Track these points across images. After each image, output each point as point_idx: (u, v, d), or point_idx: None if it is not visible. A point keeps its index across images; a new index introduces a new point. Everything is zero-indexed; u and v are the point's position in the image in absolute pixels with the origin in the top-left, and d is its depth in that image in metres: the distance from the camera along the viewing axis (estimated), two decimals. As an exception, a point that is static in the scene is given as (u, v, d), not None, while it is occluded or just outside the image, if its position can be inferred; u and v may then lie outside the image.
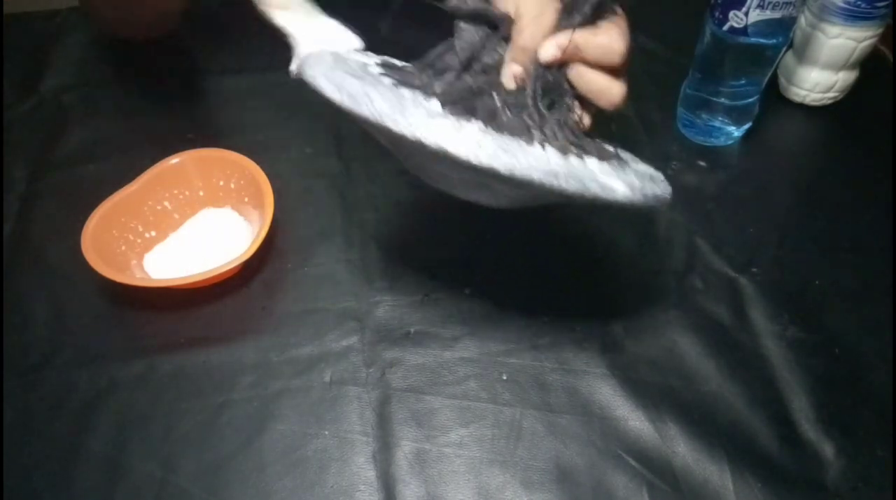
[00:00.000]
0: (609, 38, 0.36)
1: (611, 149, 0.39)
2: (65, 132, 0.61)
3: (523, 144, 0.33)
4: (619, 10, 0.38)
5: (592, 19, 0.37)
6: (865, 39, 0.57)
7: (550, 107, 0.37)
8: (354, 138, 0.60)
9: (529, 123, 0.36)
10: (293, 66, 0.38)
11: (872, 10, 0.55)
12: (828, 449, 0.43)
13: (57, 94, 0.65)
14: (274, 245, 0.53)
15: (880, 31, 0.57)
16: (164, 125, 0.62)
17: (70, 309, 0.49)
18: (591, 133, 0.40)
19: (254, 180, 0.51)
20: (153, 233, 0.52)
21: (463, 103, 0.35)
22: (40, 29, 0.71)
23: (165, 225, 0.53)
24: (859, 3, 0.55)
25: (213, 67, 0.67)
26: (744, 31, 0.51)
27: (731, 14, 0.51)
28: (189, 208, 0.53)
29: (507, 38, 0.38)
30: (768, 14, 0.50)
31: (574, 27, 0.36)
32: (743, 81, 0.56)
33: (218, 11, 0.72)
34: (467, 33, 0.38)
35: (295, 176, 0.57)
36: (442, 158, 0.32)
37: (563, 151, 0.34)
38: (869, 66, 0.61)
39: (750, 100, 0.58)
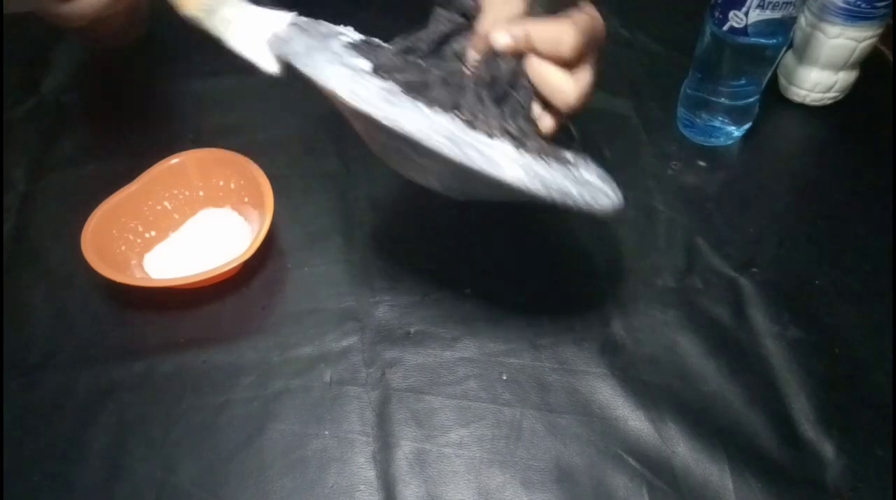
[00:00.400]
0: (559, 30, 0.35)
1: (567, 155, 0.38)
2: (65, 132, 0.61)
3: (425, 108, 0.33)
4: (589, 3, 0.37)
5: (555, 10, 0.36)
6: (865, 39, 0.57)
7: (503, 100, 0.36)
8: (354, 138, 0.60)
9: (461, 102, 0.35)
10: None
11: (872, 10, 0.55)
12: (828, 449, 0.43)
13: (57, 94, 0.65)
14: (274, 245, 0.53)
15: (880, 31, 0.57)
16: (164, 125, 0.62)
17: (70, 309, 0.50)
18: (557, 139, 0.39)
19: (254, 180, 0.51)
20: (153, 233, 0.52)
21: (399, 75, 0.35)
22: (40, 29, 0.71)
23: (165, 225, 0.53)
24: (859, 3, 0.55)
25: (213, 68, 0.67)
26: (744, 31, 0.51)
27: (731, 14, 0.51)
28: (189, 208, 0.53)
29: None
30: (768, 14, 0.50)
31: (533, 16, 0.36)
32: (743, 81, 0.56)
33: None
34: (442, 19, 0.38)
35: (295, 176, 0.57)
36: (350, 108, 0.32)
37: (472, 126, 0.34)
38: (869, 66, 0.61)
39: (750, 100, 0.58)
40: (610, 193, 0.38)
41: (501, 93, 0.36)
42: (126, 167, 0.52)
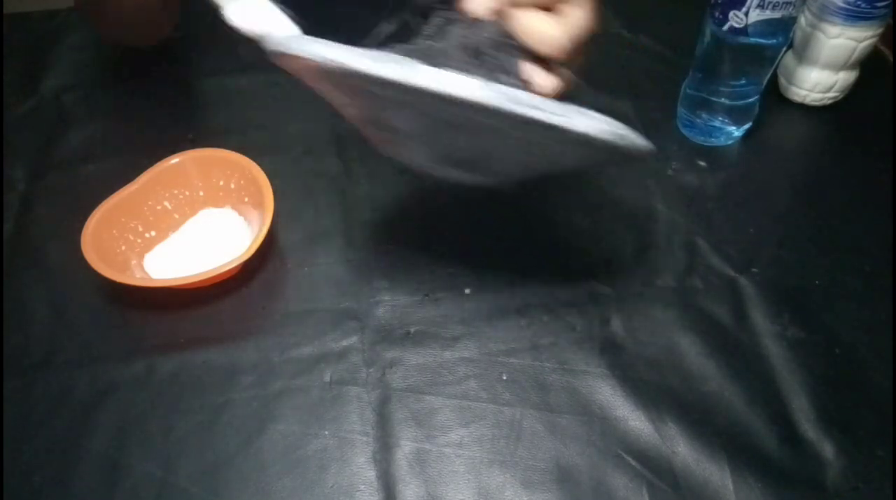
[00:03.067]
0: None
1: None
2: (65, 132, 0.61)
3: (451, 70, 0.31)
4: None
5: None
6: (865, 39, 0.57)
7: (494, 69, 0.35)
8: (354, 138, 0.60)
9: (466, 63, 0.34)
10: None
11: (872, 10, 0.55)
12: (828, 449, 0.43)
13: (57, 94, 0.65)
14: (274, 245, 0.53)
15: (880, 31, 0.57)
16: (164, 125, 0.62)
17: (70, 309, 0.50)
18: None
19: (254, 180, 0.51)
20: (153, 233, 0.52)
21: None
22: (40, 29, 0.71)
23: (165, 225, 0.53)
24: (859, 3, 0.55)
25: (212, 67, 0.67)
26: (744, 31, 0.51)
27: (731, 14, 0.51)
28: (189, 208, 0.53)
29: None
30: (768, 14, 0.50)
31: None
32: (743, 81, 0.56)
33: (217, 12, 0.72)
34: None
35: (295, 176, 0.57)
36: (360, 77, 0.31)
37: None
38: (869, 66, 0.61)
39: (750, 100, 0.58)
40: (631, 134, 0.36)
41: (491, 62, 0.35)
42: (126, 167, 0.52)
